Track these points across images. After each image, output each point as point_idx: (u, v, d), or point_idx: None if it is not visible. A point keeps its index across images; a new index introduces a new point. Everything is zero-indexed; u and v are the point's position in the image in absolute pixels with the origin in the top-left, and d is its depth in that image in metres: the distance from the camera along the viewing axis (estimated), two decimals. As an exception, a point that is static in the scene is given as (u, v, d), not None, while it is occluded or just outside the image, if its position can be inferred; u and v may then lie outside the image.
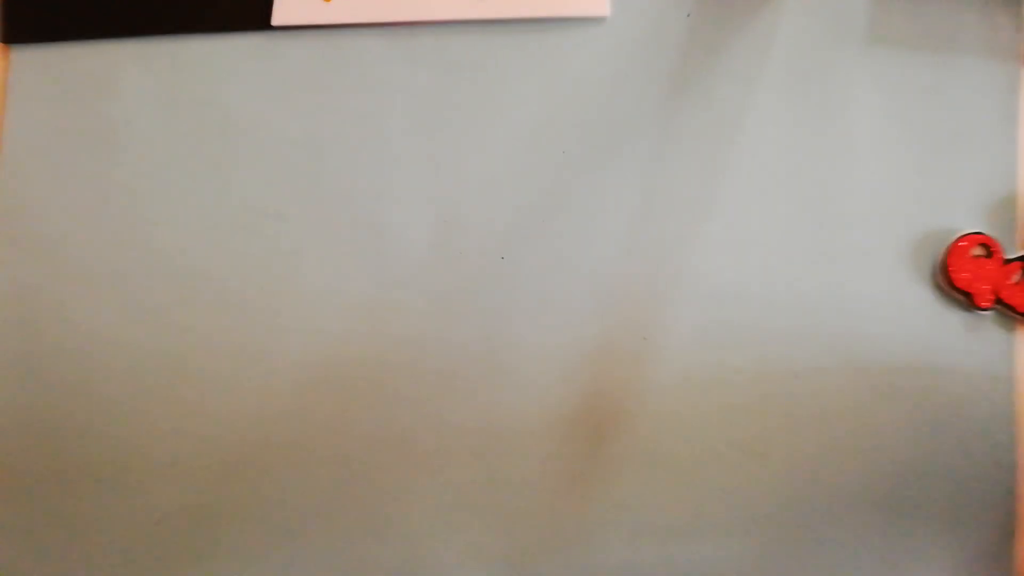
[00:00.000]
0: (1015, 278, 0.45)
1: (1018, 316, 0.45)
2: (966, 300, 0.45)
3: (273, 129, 0.48)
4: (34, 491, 0.47)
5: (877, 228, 0.46)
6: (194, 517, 0.46)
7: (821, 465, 0.45)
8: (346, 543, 0.46)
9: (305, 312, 0.47)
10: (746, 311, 0.45)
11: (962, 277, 0.45)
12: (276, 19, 0.48)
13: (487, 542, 0.46)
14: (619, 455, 0.46)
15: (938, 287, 0.46)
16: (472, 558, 0.46)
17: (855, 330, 0.46)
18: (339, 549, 0.46)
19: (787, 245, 0.46)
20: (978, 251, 0.45)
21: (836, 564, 0.45)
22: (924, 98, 0.47)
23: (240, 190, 0.48)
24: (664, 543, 0.45)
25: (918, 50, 0.47)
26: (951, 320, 0.46)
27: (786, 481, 0.45)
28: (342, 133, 0.48)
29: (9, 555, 0.47)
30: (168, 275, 0.48)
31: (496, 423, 0.46)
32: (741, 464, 0.45)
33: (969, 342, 0.46)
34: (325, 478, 0.46)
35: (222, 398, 0.47)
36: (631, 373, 0.46)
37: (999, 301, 0.45)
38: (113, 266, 0.48)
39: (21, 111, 0.49)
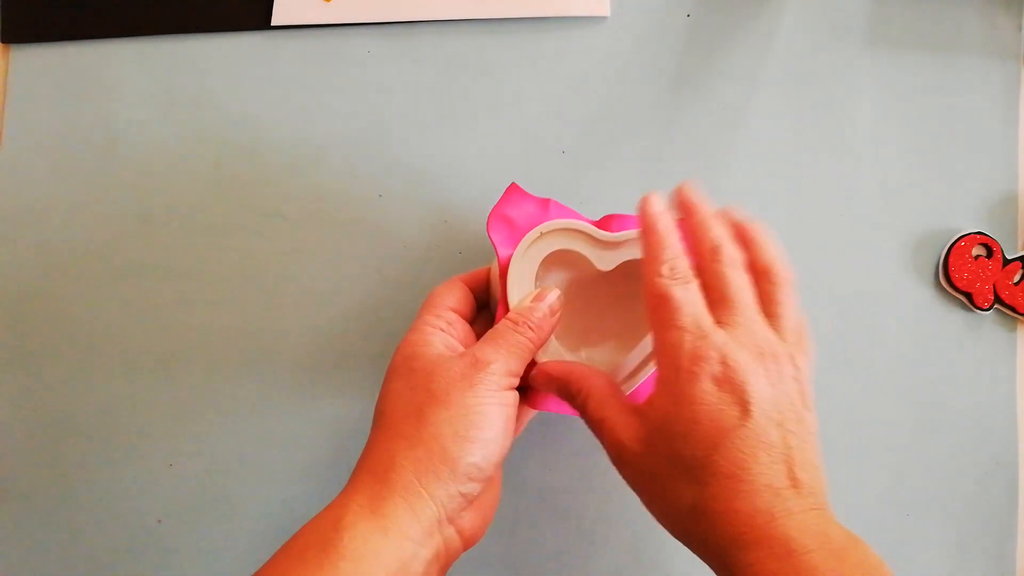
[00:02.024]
0: (1015, 278, 0.45)
1: (1018, 316, 0.45)
2: (966, 300, 0.45)
3: (273, 129, 0.48)
4: (34, 491, 0.47)
5: (877, 228, 0.46)
6: (194, 517, 0.46)
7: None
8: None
9: (305, 311, 0.47)
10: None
11: (962, 277, 0.45)
12: (276, 19, 0.48)
13: None
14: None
15: (938, 287, 0.46)
16: None
17: (855, 329, 0.46)
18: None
19: (786, 245, 0.46)
20: (978, 251, 0.45)
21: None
22: (924, 98, 0.47)
23: (240, 190, 0.48)
24: (662, 543, 0.45)
25: (918, 50, 0.47)
26: (951, 320, 0.46)
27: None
28: (342, 133, 0.48)
29: (9, 555, 0.47)
30: (168, 275, 0.48)
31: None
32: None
33: (969, 342, 0.46)
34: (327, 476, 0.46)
35: (222, 398, 0.47)
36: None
37: (999, 301, 0.45)
38: (113, 266, 0.48)
39: (21, 111, 0.49)
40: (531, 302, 0.37)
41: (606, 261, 0.39)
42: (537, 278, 0.39)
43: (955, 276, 0.45)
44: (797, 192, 0.46)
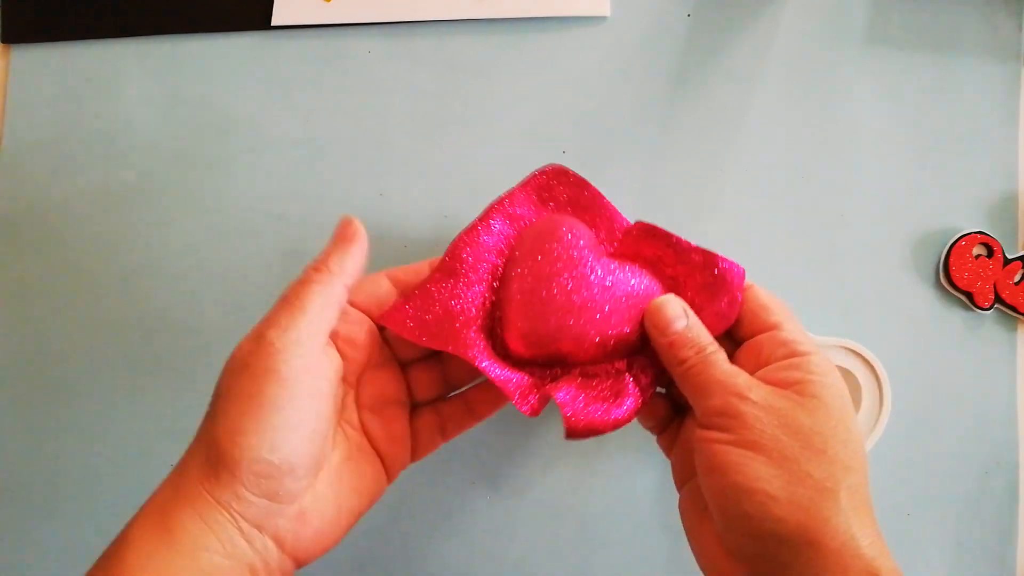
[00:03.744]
0: (1016, 278, 0.45)
1: (1019, 316, 0.45)
2: (967, 299, 0.45)
3: (273, 129, 0.48)
4: (34, 491, 0.47)
5: (878, 228, 0.46)
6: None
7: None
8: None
9: (305, 312, 0.47)
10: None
11: (963, 276, 0.45)
12: (276, 19, 0.48)
13: None
14: (611, 453, 0.46)
15: (939, 287, 0.46)
16: None
17: (855, 329, 0.45)
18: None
19: (787, 244, 0.46)
20: (979, 251, 0.45)
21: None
22: (924, 98, 0.47)
23: (240, 190, 0.48)
24: (662, 544, 0.45)
25: (918, 50, 0.47)
26: (951, 319, 0.46)
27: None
28: (342, 133, 0.48)
29: (9, 555, 0.47)
30: (168, 275, 0.48)
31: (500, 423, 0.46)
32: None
33: (969, 342, 0.46)
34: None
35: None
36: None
37: (1000, 300, 0.45)
38: (113, 266, 0.48)
39: (21, 111, 0.49)
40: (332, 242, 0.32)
41: None
42: None
43: (956, 275, 0.45)
44: (797, 192, 0.46)
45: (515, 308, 0.35)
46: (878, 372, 0.42)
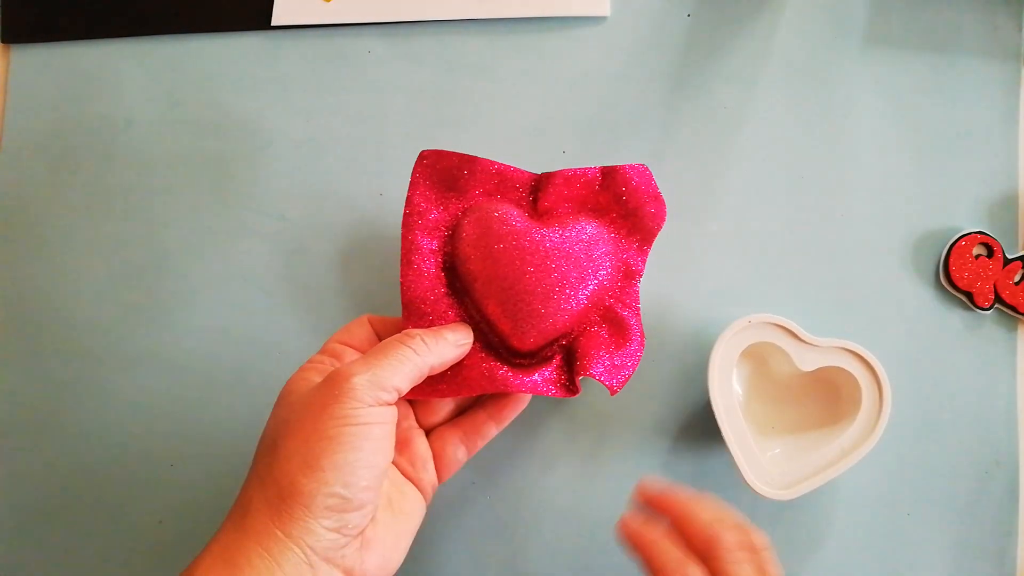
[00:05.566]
0: (1016, 278, 0.45)
1: (1019, 316, 0.45)
2: (967, 300, 0.45)
3: (273, 129, 0.48)
4: (35, 491, 0.47)
5: (877, 228, 0.46)
6: (194, 517, 0.46)
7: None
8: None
9: (306, 312, 0.47)
10: (746, 311, 0.45)
11: (963, 277, 0.45)
12: (276, 19, 0.48)
13: None
14: (611, 454, 0.46)
15: (939, 287, 0.46)
16: None
17: (855, 329, 0.46)
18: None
19: (787, 245, 0.46)
20: (979, 250, 0.45)
21: (836, 564, 0.45)
22: (924, 98, 0.47)
23: (240, 190, 0.48)
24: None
25: (918, 50, 0.47)
26: (951, 320, 0.46)
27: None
28: (342, 133, 0.48)
29: (9, 555, 0.47)
30: (168, 275, 0.48)
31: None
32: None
33: (969, 342, 0.46)
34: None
35: (223, 398, 0.47)
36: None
37: (1000, 300, 0.45)
38: (113, 266, 0.48)
39: (21, 111, 0.49)
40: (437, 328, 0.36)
41: (808, 362, 0.42)
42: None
43: (956, 276, 0.45)
44: (797, 192, 0.46)
45: (506, 323, 0.38)
46: (878, 373, 0.42)
